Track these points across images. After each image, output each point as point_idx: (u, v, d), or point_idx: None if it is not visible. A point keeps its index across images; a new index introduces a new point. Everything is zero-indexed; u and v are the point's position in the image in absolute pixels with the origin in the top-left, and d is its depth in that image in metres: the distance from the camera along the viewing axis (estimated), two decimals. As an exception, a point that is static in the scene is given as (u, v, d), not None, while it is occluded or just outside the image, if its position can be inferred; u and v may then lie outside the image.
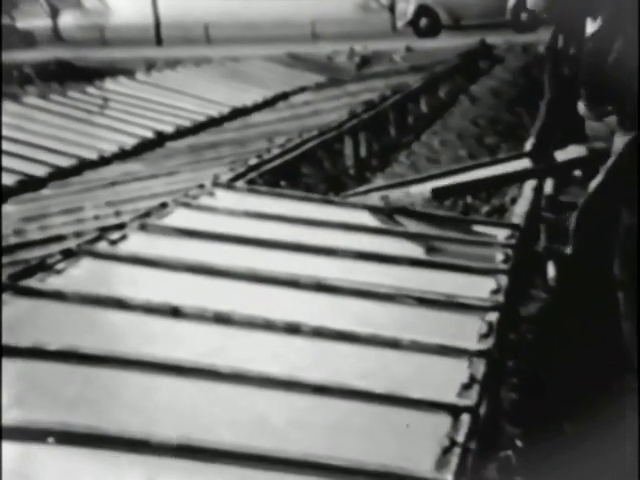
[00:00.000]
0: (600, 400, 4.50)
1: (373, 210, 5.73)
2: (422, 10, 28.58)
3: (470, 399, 3.47)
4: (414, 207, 5.77)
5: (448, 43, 23.51)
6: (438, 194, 5.81)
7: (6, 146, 10.46)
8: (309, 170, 8.93)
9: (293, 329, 3.92)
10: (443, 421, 3.31)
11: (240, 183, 6.44)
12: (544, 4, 5.00)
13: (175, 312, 3.96)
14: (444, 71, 16.56)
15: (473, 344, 3.95)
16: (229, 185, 6.21)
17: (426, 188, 5.78)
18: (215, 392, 3.40)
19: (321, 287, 4.43)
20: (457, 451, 3.11)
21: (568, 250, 4.77)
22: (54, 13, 39.35)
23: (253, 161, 7.61)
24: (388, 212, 5.64)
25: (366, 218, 5.70)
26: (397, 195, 5.80)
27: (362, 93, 13.57)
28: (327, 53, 23.59)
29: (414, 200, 5.74)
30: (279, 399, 3.40)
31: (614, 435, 4.06)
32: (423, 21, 28.64)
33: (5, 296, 3.94)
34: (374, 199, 5.88)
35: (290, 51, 22.09)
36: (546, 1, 4.99)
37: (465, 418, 3.32)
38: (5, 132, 10.91)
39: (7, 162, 9.96)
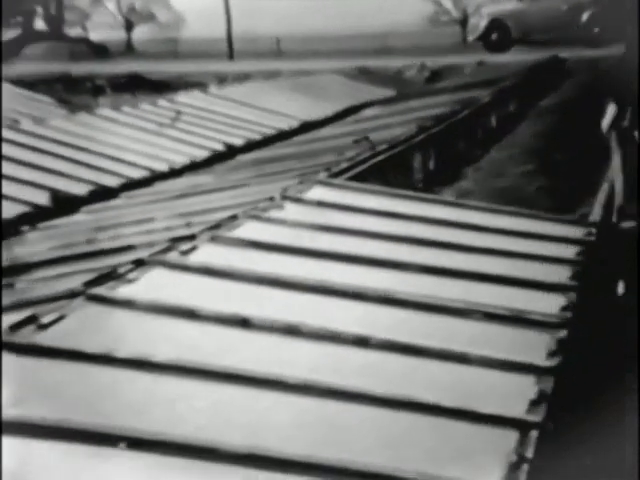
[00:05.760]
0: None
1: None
2: (493, 24, 28.45)
3: (539, 415, 3.45)
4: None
5: (519, 57, 23.38)
6: None
7: (79, 156, 10.63)
8: (377, 183, 8.93)
9: (361, 341, 3.93)
10: (511, 437, 3.29)
11: (308, 195, 6.47)
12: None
13: (244, 323, 3.99)
14: (514, 86, 16.48)
15: (542, 361, 3.93)
16: (298, 199, 6.24)
17: None
18: (283, 403, 3.42)
19: (389, 300, 4.44)
20: (525, 467, 3.10)
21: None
22: (128, 26, 39.86)
23: (322, 175, 7.64)
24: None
25: (435, 232, 5.70)
26: None
27: (431, 107, 13.55)
28: (397, 67, 23.59)
29: None
30: (346, 411, 3.41)
31: None
32: (494, 35, 28.52)
33: (77, 302, 4.01)
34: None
35: (360, 64, 22.14)
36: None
37: (533, 434, 3.30)
38: (78, 142, 11.08)
39: (80, 172, 10.12)
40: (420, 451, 3.19)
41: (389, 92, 19.13)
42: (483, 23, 28.66)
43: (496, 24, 28.40)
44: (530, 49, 25.77)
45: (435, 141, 11.01)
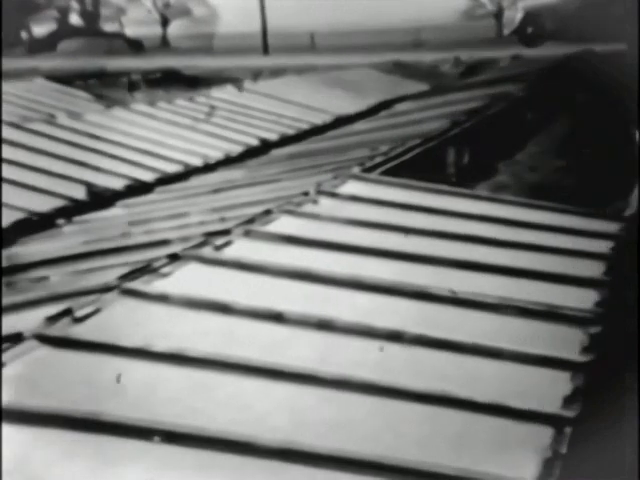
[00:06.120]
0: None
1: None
2: (529, 18, 28.30)
3: (573, 411, 3.43)
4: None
5: (554, 51, 23.24)
6: None
7: (114, 151, 10.68)
8: (411, 178, 8.90)
9: (394, 336, 3.93)
10: (545, 432, 3.28)
11: (342, 189, 6.47)
12: None
13: (278, 318, 4.00)
14: (548, 80, 16.38)
15: (576, 356, 3.91)
16: (332, 193, 6.24)
17: None
18: (317, 398, 3.43)
19: (423, 295, 4.43)
20: (560, 463, 3.09)
21: None
22: (163, 21, 40.01)
23: (356, 169, 7.63)
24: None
25: (469, 226, 5.68)
26: None
27: (465, 101, 13.50)
28: (431, 61, 23.51)
29: None
30: (380, 406, 3.41)
31: None
32: (529, 29, 28.36)
33: (111, 296, 4.03)
34: None
35: (395, 59, 22.09)
36: None
37: (568, 430, 3.29)
38: (113, 137, 11.13)
39: (115, 167, 10.17)
40: (455, 447, 3.19)
41: (423, 86, 19.08)
42: (518, 16, 28.52)
43: (531, 18, 28.25)
44: (565, 43, 25.61)
45: (469, 135, 10.97)
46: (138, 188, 9.54)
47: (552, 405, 3.47)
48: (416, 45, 31.10)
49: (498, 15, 32.69)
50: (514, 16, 28.83)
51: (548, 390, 3.62)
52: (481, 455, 3.15)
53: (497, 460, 3.11)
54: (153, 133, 11.63)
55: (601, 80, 16.81)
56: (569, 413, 3.41)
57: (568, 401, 3.51)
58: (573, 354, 3.92)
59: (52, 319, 3.71)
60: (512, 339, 4.01)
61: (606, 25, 24.71)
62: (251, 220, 5.36)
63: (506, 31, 29.86)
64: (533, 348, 3.93)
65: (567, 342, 4.07)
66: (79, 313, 3.78)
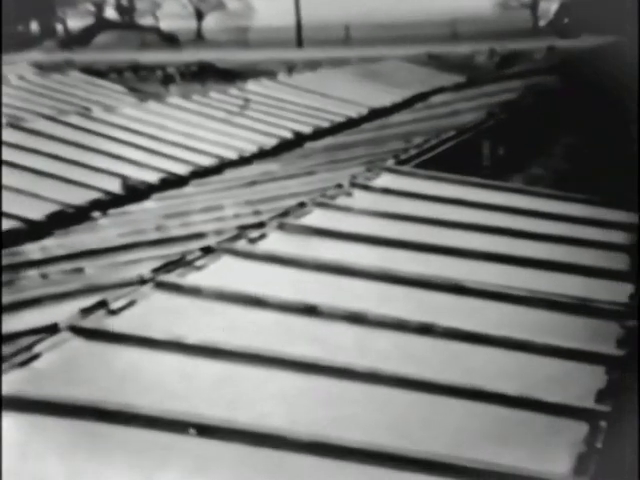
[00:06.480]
0: None
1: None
2: (564, 9, 28.12)
3: (608, 405, 3.40)
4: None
5: (589, 42, 23.08)
6: None
7: (149, 144, 10.73)
8: (446, 170, 8.88)
9: (426, 329, 3.92)
10: (580, 427, 3.26)
11: (376, 182, 6.46)
12: None
13: (311, 310, 4.00)
14: (584, 71, 16.28)
15: (610, 350, 3.88)
16: (366, 186, 6.23)
17: None
18: (349, 390, 3.43)
19: (454, 288, 4.42)
20: (595, 457, 3.06)
21: None
22: (198, 15, 40.10)
23: (390, 162, 7.62)
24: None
25: (503, 219, 5.66)
26: None
27: (501, 93, 13.44)
28: (466, 53, 23.43)
29: None
30: (411, 399, 3.41)
31: None
32: (565, 20, 28.18)
33: (145, 289, 4.05)
34: None
35: (429, 51, 22.03)
36: None
37: (603, 425, 3.26)
38: (148, 130, 11.18)
39: (150, 160, 10.22)
40: (488, 441, 3.18)
41: (458, 78, 19.01)
42: (554, 7, 28.36)
43: (567, 9, 28.07)
44: (600, 34, 25.43)
45: (504, 127, 10.92)
46: (173, 181, 9.58)
47: (587, 399, 3.44)
48: (451, 37, 30.99)
49: (533, 6, 32.51)
50: (549, 7, 28.67)
51: (582, 384, 3.59)
52: (514, 449, 3.14)
53: (530, 455, 3.09)
54: (188, 126, 11.67)
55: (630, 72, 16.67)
56: (604, 407, 3.38)
57: (603, 395, 3.48)
58: (608, 348, 3.90)
59: (87, 311, 3.73)
60: (545, 332, 3.99)
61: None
62: (285, 213, 5.36)
63: (541, 22, 29.70)
64: (567, 341, 3.90)
65: (602, 335, 4.04)
66: (114, 305, 3.80)
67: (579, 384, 3.61)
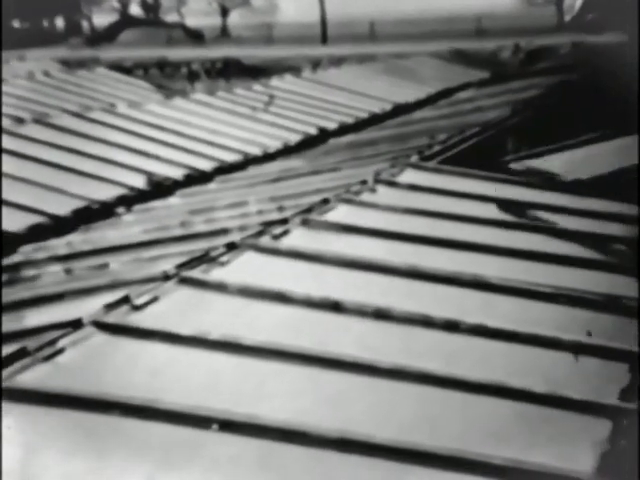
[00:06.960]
0: None
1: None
2: (589, 5, 27.99)
3: (633, 403, 3.39)
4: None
5: (615, 38, 22.94)
6: None
7: (174, 140, 10.75)
8: (470, 166, 8.86)
9: (451, 326, 3.91)
10: (603, 424, 3.24)
11: (401, 178, 6.45)
12: None
13: (336, 307, 4.00)
14: (609, 67, 16.18)
15: (635, 347, 3.86)
16: (391, 182, 6.23)
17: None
18: (373, 387, 3.42)
19: (480, 284, 4.41)
20: (619, 455, 3.05)
21: None
22: (223, 12, 40.16)
23: (414, 158, 7.61)
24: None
25: (527, 215, 5.64)
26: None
27: (526, 89, 13.39)
28: (491, 49, 23.35)
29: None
30: (437, 396, 3.40)
31: None
32: (590, 16, 28.05)
33: (169, 284, 4.06)
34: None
35: (454, 47, 21.97)
36: None
37: (627, 423, 3.25)
38: (173, 127, 11.21)
39: (175, 156, 10.24)
40: (511, 438, 3.17)
41: (483, 74, 18.95)
42: (578, 3, 28.23)
43: (591, 5, 27.93)
44: (626, 30, 25.27)
45: (529, 124, 10.87)
46: (197, 177, 9.60)
47: (610, 397, 3.42)
48: (476, 33, 30.90)
49: (558, 2, 32.36)
50: (574, 3, 28.54)
51: (606, 381, 3.58)
52: (539, 447, 3.12)
53: (554, 452, 3.08)
54: (212, 122, 11.69)
55: None
56: (628, 405, 3.36)
57: (627, 393, 3.46)
58: (632, 345, 3.87)
59: (111, 306, 3.74)
60: (569, 329, 3.98)
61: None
62: (309, 209, 5.36)
63: (566, 18, 29.58)
64: (590, 338, 3.89)
65: (626, 332, 4.02)
66: (137, 301, 3.82)
67: (603, 381, 3.59)
